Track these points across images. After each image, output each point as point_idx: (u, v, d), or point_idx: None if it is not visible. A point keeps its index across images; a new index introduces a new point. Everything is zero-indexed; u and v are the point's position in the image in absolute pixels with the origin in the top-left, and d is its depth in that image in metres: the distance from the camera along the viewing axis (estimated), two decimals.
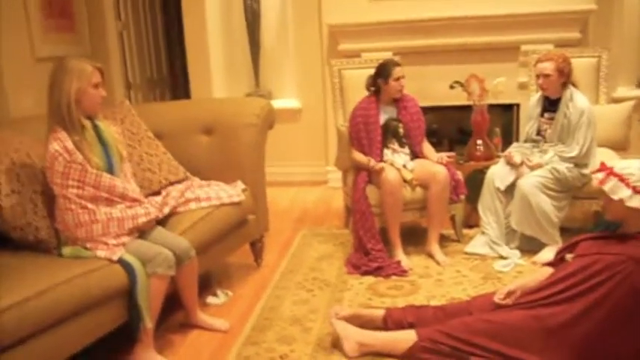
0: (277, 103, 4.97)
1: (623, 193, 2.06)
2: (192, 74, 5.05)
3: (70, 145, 2.26)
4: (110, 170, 2.39)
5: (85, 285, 2.08)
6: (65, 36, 4.27)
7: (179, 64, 5.99)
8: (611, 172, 2.12)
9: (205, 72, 5.04)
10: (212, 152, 3.11)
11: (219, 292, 2.98)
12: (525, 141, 3.48)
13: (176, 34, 5.69)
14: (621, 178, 2.08)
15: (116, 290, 2.20)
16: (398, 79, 3.37)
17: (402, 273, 3.11)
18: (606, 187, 2.10)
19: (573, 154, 3.19)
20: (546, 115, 3.36)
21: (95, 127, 2.40)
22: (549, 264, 2.42)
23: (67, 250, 2.27)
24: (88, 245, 2.26)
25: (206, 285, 3.07)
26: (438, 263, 3.22)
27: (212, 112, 3.22)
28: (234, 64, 5.27)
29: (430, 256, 3.30)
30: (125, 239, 2.30)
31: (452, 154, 3.42)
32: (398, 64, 3.44)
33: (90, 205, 2.28)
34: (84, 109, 2.32)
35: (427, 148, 3.47)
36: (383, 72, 3.41)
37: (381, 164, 3.25)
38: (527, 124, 3.48)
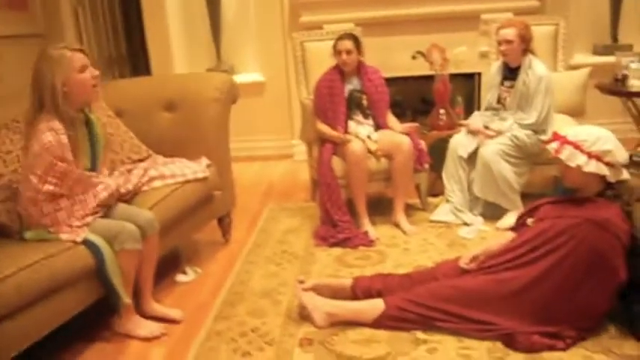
0: (240, 78, 4.93)
1: (579, 159, 2.13)
2: (152, 50, 4.95)
3: (64, 140, 2.19)
4: (93, 168, 2.38)
5: (49, 268, 2.05)
6: (17, 14, 4.12)
7: (138, 40, 5.84)
8: (565, 141, 2.18)
9: (165, 48, 4.95)
10: (175, 129, 3.07)
11: (188, 269, 2.97)
12: (486, 109, 3.53)
13: (134, 9, 5.54)
14: (575, 145, 2.15)
15: (83, 271, 2.18)
16: (340, 52, 3.36)
17: (370, 243, 3.16)
18: (562, 156, 2.16)
19: (531, 120, 3.26)
20: (506, 83, 3.42)
21: (87, 122, 2.36)
22: (512, 229, 2.50)
23: (30, 234, 2.23)
24: (52, 229, 2.22)
25: (175, 263, 3.07)
26: (404, 232, 3.28)
27: (174, 88, 3.17)
28: (194, 39, 5.18)
29: (397, 225, 3.36)
30: (89, 219, 2.27)
31: (415, 125, 3.45)
32: (346, 37, 3.40)
33: (58, 199, 2.24)
34: (76, 98, 2.24)
35: (391, 119, 3.50)
36: (333, 46, 3.41)
37: (348, 136, 3.27)
38: (488, 93, 3.53)
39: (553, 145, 2.22)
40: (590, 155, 2.13)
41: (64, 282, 2.11)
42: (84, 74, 2.24)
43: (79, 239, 2.19)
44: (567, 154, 2.16)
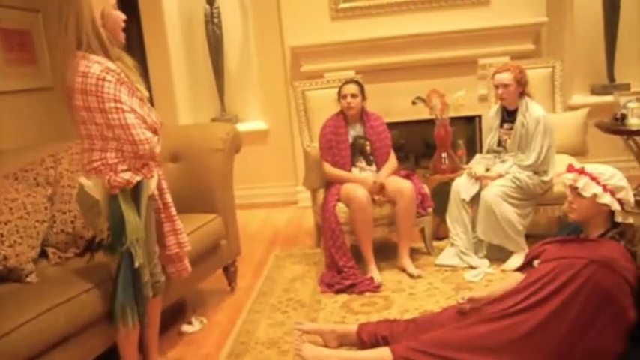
0: (244, 126, 5.02)
1: (595, 189, 2.16)
2: (156, 102, 5.05)
3: (113, 67, 2.06)
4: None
5: (68, 311, 2.08)
6: (26, 69, 4.24)
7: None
8: (582, 172, 2.23)
9: (170, 99, 5.05)
10: (180, 179, 3.10)
11: (193, 319, 2.96)
12: (487, 152, 3.56)
13: (139, 61, 5.68)
14: (592, 177, 2.19)
15: (101, 314, 2.21)
16: (345, 96, 3.44)
17: (375, 289, 3.14)
18: (579, 184, 2.19)
19: (530, 161, 3.28)
20: (505, 125, 3.46)
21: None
22: (518, 269, 2.49)
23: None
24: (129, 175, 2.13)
25: (180, 313, 3.05)
26: (411, 276, 3.26)
27: (178, 139, 3.22)
28: (198, 89, 5.28)
29: (402, 269, 3.35)
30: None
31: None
32: (351, 82, 3.50)
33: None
34: (111, 36, 2.10)
35: (388, 164, 3.50)
36: (338, 92, 3.49)
37: (379, 178, 3.31)
38: (488, 136, 3.57)
39: (569, 176, 2.25)
40: (605, 188, 2.16)
41: (82, 326, 2.13)
42: (118, 11, 2.16)
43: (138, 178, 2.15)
44: (584, 184, 2.19)
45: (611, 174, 2.19)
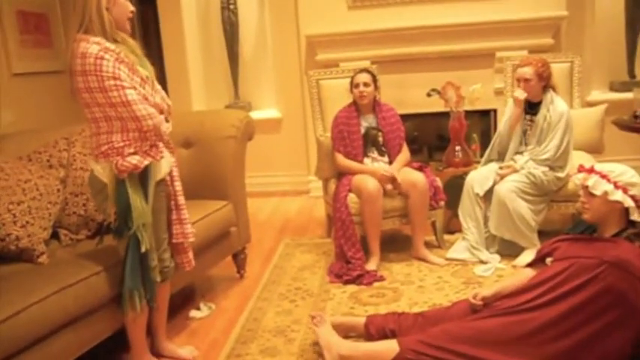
0: (257, 114, 5.00)
1: (605, 187, 2.14)
2: (170, 88, 5.05)
3: (112, 46, 2.07)
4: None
5: (77, 293, 2.09)
6: (42, 51, 4.25)
7: (157, 77, 5.96)
8: (592, 170, 2.20)
9: (184, 85, 5.05)
10: (192, 165, 3.10)
11: (202, 305, 2.97)
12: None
13: (154, 47, 5.68)
14: (602, 175, 2.17)
15: (107, 298, 2.22)
16: (357, 85, 3.41)
17: (381, 278, 3.14)
18: (590, 182, 2.17)
19: (549, 155, 3.24)
20: (527, 117, 3.41)
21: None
22: (529, 265, 2.47)
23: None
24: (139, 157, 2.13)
25: (189, 298, 3.06)
26: (433, 264, 3.29)
27: (190, 125, 3.22)
28: (213, 76, 5.28)
29: (423, 260, 3.35)
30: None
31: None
32: (364, 72, 3.48)
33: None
34: (116, 22, 2.12)
35: (400, 155, 3.47)
36: (350, 81, 3.46)
37: (390, 170, 3.29)
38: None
39: (579, 176, 2.24)
40: (616, 185, 2.14)
41: (90, 309, 2.15)
42: (127, 1, 2.18)
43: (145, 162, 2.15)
44: (594, 182, 2.17)
45: (622, 171, 2.16)
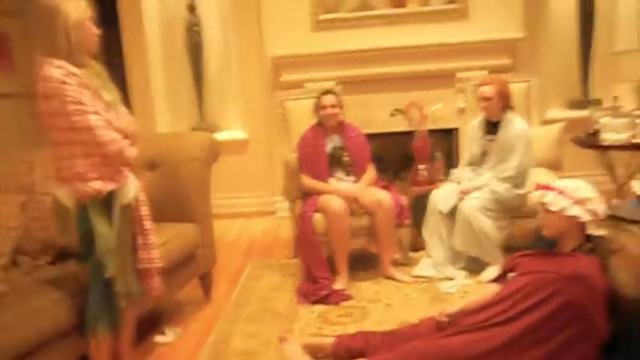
0: (223, 135, 5.00)
1: (562, 202, 2.20)
2: (134, 109, 5.00)
3: (76, 70, 2.04)
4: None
5: (36, 322, 2.04)
6: (4, 73, 4.17)
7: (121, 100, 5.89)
8: (548, 188, 2.27)
9: (148, 106, 5.02)
10: (156, 187, 3.06)
11: (167, 330, 2.92)
12: (469, 164, 3.58)
13: (117, 68, 5.64)
14: (559, 191, 2.23)
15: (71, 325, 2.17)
16: (324, 107, 3.44)
17: (349, 298, 3.15)
18: (547, 199, 2.23)
19: (509, 173, 3.32)
20: (488, 137, 3.49)
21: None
22: (493, 281, 2.51)
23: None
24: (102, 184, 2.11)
25: (155, 323, 3.01)
26: (400, 282, 3.31)
27: (155, 148, 3.19)
28: (177, 97, 5.25)
29: (390, 278, 3.36)
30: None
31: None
32: (329, 93, 3.52)
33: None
34: (83, 46, 2.10)
35: (366, 175, 3.50)
36: (315, 103, 3.50)
37: (359, 187, 3.32)
38: (471, 147, 3.59)
39: (536, 193, 2.30)
40: (573, 200, 2.20)
41: (50, 337, 2.09)
42: (93, 26, 2.15)
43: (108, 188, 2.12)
44: (551, 199, 2.23)
45: (577, 186, 2.22)
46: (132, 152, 2.19)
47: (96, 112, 2.06)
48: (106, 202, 2.15)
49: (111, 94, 2.18)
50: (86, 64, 2.13)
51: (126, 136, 2.17)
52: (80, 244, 2.14)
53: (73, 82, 2.02)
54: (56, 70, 2.02)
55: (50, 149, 2.16)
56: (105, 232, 2.13)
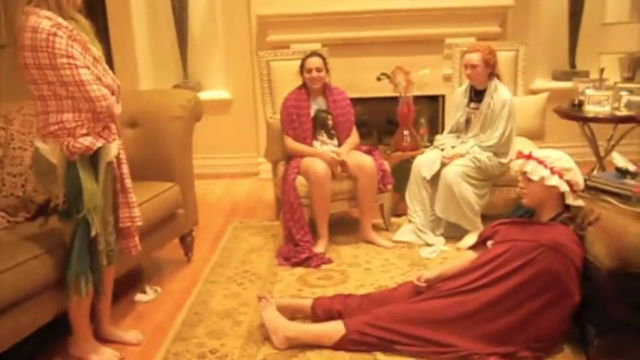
0: (207, 95, 4.93)
1: (542, 172, 2.24)
2: (117, 67, 4.88)
3: (65, 23, 1.98)
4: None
5: (15, 277, 2.03)
6: None
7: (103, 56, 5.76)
8: (529, 157, 2.30)
9: (131, 63, 4.90)
10: (137, 146, 3.01)
11: (147, 288, 2.92)
12: (451, 131, 3.59)
13: (100, 24, 5.49)
14: (539, 161, 2.27)
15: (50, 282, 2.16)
16: (310, 70, 3.40)
17: (328, 261, 3.18)
18: (527, 168, 2.27)
19: (493, 142, 3.33)
20: (472, 105, 3.49)
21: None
22: (471, 248, 2.55)
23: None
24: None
25: (135, 282, 3.01)
26: (380, 247, 3.34)
27: (136, 105, 3.13)
28: (161, 55, 5.14)
29: (370, 242, 3.39)
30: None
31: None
32: (315, 55, 3.47)
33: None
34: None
35: (349, 139, 3.49)
36: (301, 65, 3.45)
37: (340, 153, 3.31)
38: (456, 114, 3.58)
39: (518, 162, 2.33)
40: (552, 170, 2.24)
41: (29, 293, 2.08)
42: None
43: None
44: (531, 168, 2.26)
45: (557, 157, 2.26)
46: (118, 109, 2.15)
47: (86, 67, 2.02)
48: (92, 158, 2.12)
49: (96, 49, 2.13)
50: (72, 17, 2.07)
51: (112, 92, 2.12)
52: (66, 201, 2.11)
53: (63, 34, 1.97)
54: (45, 21, 1.95)
55: (32, 103, 2.11)
56: (92, 189, 2.11)
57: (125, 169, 2.34)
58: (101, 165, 2.16)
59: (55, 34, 1.95)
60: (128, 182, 2.35)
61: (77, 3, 2.10)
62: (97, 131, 2.11)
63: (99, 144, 2.11)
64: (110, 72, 2.19)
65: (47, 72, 1.97)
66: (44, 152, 2.08)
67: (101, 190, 2.16)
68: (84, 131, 2.07)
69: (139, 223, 2.41)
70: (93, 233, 2.13)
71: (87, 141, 2.07)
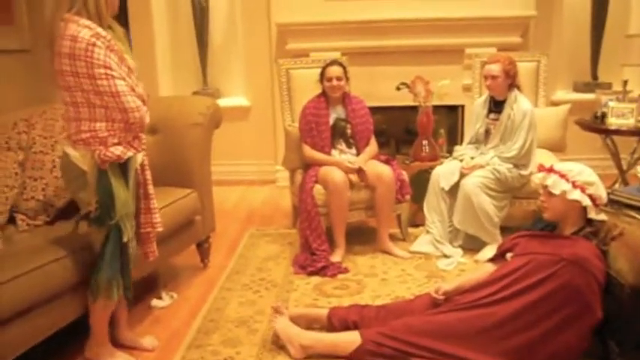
0: (226, 102, 4.95)
1: (564, 186, 2.19)
2: (138, 73, 4.93)
3: (104, 33, 2.01)
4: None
5: (33, 280, 2.04)
6: (2, 29, 4.09)
7: None
8: (551, 170, 2.25)
9: (151, 70, 4.94)
10: (157, 152, 3.02)
11: (164, 294, 2.93)
12: (470, 142, 3.55)
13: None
14: (561, 175, 2.22)
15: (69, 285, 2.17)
16: (330, 79, 3.40)
17: (345, 271, 3.15)
18: (549, 182, 2.22)
19: (513, 153, 3.29)
20: (491, 116, 3.46)
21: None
22: (490, 260, 2.51)
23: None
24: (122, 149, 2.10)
25: (151, 287, 3.02)
26: (397, 257, 3.32)
27: (156, 111, 3.09)
28: (181, 62, 5.18)
29: (387, 253, 3.37)
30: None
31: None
32: (335, 64, 3.46)
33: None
34: (109, 5, 2.08)
35: (367, 148, 3.47)
36: (321, 73, 3.45)
37: (356, 161, 3.30)
38: (476, 124, 3.55)
39: (539, 175, 2.29)
40: (574, 184, 2.19)
41: (48, 297, 2.09)
42: None
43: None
44: (552, 182, 2.22)
45: (579, 170, 2.21)
46: (147, 118, 2.18)
47: (122, 78, 2.04)
48: (121, 166, 2.15)
49: (130, 58, 2.16)
50: (110, 26, 2.10)
51: (143, 102, 2.15)
52: (98, 208, 2.13)
53: (102, 44, 1.99)
54: (85, 30, 1.98)
55: (55, 106, 2.13)
56: (124, 196, 2.13)
57: (148, 175, 2.36)
58: (130, 173, 2.19)
59: (94, 44, 1.97)
60: (150, 188, 2.37)
61: (115, 9, 2.13)
62: (127, 141, 2.13)
63: (130, 153, 2.14)
64: (141, 81, 2.22)
65: (83, 80, 2.00)
66: (74, 159, 2.11)
67: (132, 197, 2.19)
68: (115, 140, 2.09)
69: (160, 229, 2.42)
70: (125, 239, 2.16)
71: (118, 150, 2.09)
